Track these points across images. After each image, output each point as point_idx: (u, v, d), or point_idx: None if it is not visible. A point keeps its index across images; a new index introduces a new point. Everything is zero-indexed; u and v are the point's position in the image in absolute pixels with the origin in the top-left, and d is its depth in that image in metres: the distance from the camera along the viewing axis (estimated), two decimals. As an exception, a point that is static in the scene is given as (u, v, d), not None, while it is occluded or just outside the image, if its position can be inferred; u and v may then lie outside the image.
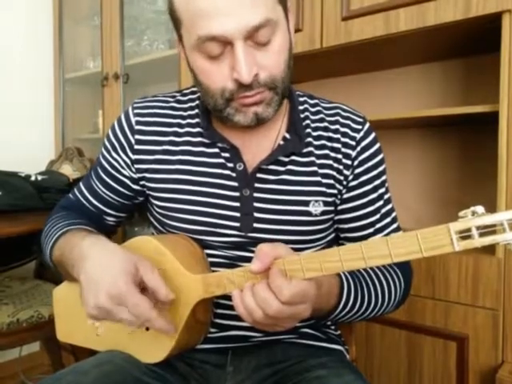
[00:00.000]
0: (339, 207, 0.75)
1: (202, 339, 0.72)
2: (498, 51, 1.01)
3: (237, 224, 0.70)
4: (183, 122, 0.76)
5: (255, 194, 0.71)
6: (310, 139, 0.73)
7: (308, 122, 0.75)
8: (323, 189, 0.72)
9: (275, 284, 0.52)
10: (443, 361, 1.10)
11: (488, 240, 0.43)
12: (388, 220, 0.76)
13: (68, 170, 1.91)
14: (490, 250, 1.02)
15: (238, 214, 0.71)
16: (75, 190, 0.85)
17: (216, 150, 0.73)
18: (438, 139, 1.40)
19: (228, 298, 0.59)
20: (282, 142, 0.73)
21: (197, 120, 0.75)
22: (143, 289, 0.60)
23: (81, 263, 0.62)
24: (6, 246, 1.62)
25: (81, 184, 0.84)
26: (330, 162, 0.73)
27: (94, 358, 0.70)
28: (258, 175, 0.71)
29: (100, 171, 0.80)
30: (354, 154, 0.73)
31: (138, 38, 1.90)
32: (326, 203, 0.72)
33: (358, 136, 0.74)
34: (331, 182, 0.72)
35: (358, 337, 1.20)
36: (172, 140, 0.75)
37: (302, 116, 0.75)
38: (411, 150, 1.45)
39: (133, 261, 0.60)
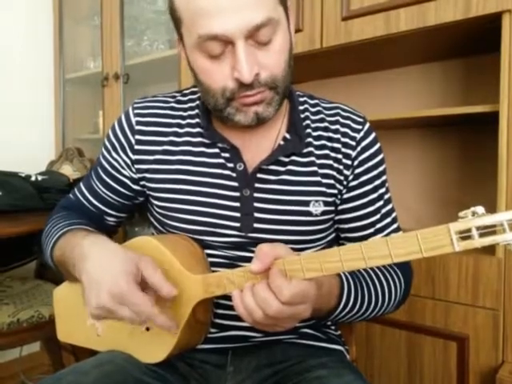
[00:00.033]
0: (339, 207, 0.75)
1: (202, 339, 0.72)
2: (498, 51, 1.01)
3: (237, 224, 0.70)
4: (183, 122, 0.76)
5: (255, 194, 0.71)
6: (310, 139, 0.73)
7: (308, 122, 0.75)
8: (323, 189, 0.72)
9: (275, 284, 0.52)
10: (443, 361, 1.10)
11: (488, 240, 0.43)
12: (388, 220, 0.76)
13: (68, 171, 1.92)
14: (490, 250, 1.02)
15: (238, 214, 0.71)
16: (75, 190, 0.85)
17: (216, 150, 0.73)
18: (438, 139, 1.40)
19: (228, 298, 0.59)
20: (282, 142, 0.73)
21: (197, 120, 0.75)
22: (145, 287, 0.60)
23: (82, 263, 0.62)
24: (7, 246, 1.62)
25: (81, 184, 0.84)
26: (330, 162, 0.73)
27: (95, 358, 0.70)
28: (258, 175, 0.71)
29: (100, 171, 0.80)
30: (354, 154, 0.73)
31: (138, 38, 1.90)
32: (326, 203, 0.72)
33: (358, 136, 0.74)
34: (331, 182, 0.73)
35: (358, 337, 1.20)
36: (172, 140, 0.75)
37: (302, 116, 0.75)
38: (411, 150, 1.45)
39: (134, 260, 0.60)
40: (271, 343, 0.74)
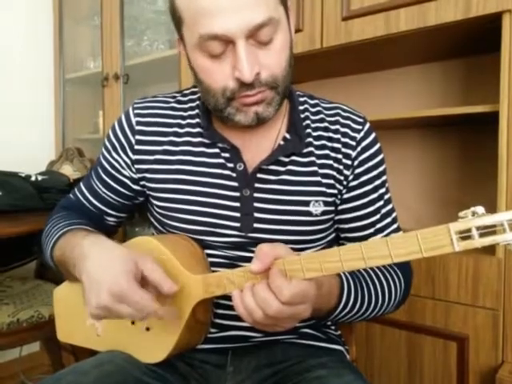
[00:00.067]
0: (339, 207, 0.75)
1: (202, 339, 0.72)
2: (498, 51, 1.01)
3: (237, 224, 0.70)
4: (183, 122, 0.76)
5: (255, 194, 0.71)
6: (310, 139, 0.73)
7: (308, 122, 0.75)
8: (323, 189, 0.72)
9: (275, 284, 0.52)
10: (443, 361, 1.10)
11: (488, 240, 0.43)
12: (388, 220, 0.76)
13: (68, 171, 1.92)
14: (490, 250, 1.02)
15: (238, 214, 0.71)
16: (75, 190, 0.85)
17: (216, 150, 0.73)
18: (438, 139, 1.40)
19: (228, 298, 0.59)
20: (282, 142, 0.73)
21: (197, 120, 0.75)
22: (144, 285, 0.60)
23: (82, 263, 0.62)
24: (7, 246, 1.62)
25: (81, 184, 0.84)
26: (331, 162, 0.73)
27: (95, 358, 0.70)
28: (259, 175, 0.71)
29: (100, 171, 0.80)
30: (354, 154, 0.73)
31: (138, 38, 1.90)
32: (326, 203, 0.72)
33: (359, 136, 0.74)
34: (331, 182, 0.73)
35: (358, 337, 1.20)
36: (172, 140, 0.75)
37: (302, 116, 0.75)
38: (411, 150, 1.45)
39: (133, 258, 0.60)
40: (271, 343, 0.74)
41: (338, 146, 0.73)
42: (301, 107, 0.76)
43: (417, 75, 1.42)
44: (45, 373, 1.91)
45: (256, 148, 0.73)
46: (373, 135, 0.76)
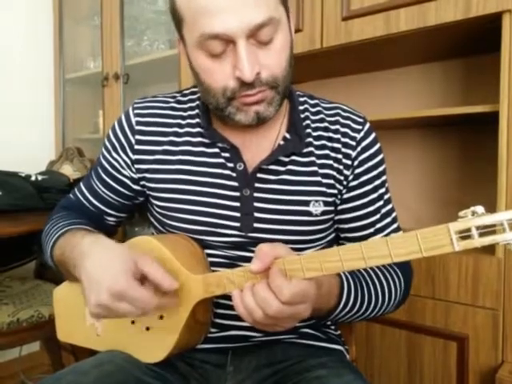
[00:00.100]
0: (339, 207, 0.75)
1: (202, 339, 0.72)
2: (498, 51, 1.01)
3: (237, 224, 0.70)
4: (183, 122, 0.76)
5: (255, 194, 0.71)
6: (310, 139, 0.73)
7: (308, 122, 0.75)
8: (323, 189, 0.72)
9: (275, 284, 0.52)
10: (443, 361, 1.10)
11: (488, 240, 0.43)
12: (388, 220, 0.76)
13: (68, 170, 1.92)
14: (490, 249, 1.02)
15: (238, 214, 0.71)
16: (75, 190, 0.85)
17: (216, 150, 0.73)
18: (438, 139, 1.40)
19: (228, 297, 0.59)
20: (282, 142, 0.73)
21: (197, 120, 0.75)
22: (143, 282, 0.60)
23: (81, 262, 0.62)
24: (7, 245, 1.62)
25: (81, 184, 0.84)
26: (331, 162, 0.73)
27: (94, 358, 0.70)
28: (259, 175, 0.71)
29: (100, 171, 0.80)
30: (354, 154, 0.73)
31: (138, 38, 1.90)
32: (326, 203, 0.72)
33: (359, 136, 0.74)
34: (331, 181, 0.73)
35: (358, 337, 1.20)
36: (172, 140, 0.75)
37: (302, 116, 0.75)
38: (411, 150, 1.45)
39: (132, 257, 0.59)
40: (271, 343, 0.74)
41: (338, 145, 0.73)
42: (301, 107, 0.76)
43: (417, 75, 1.42)
44: (45, 372, 1.91)
45: (256, 148, 0.73)
46: (373, 135, 0.76)
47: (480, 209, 0.44)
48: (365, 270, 0.71)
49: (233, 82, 0.63)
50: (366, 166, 0.74)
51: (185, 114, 0.76)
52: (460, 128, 1.34)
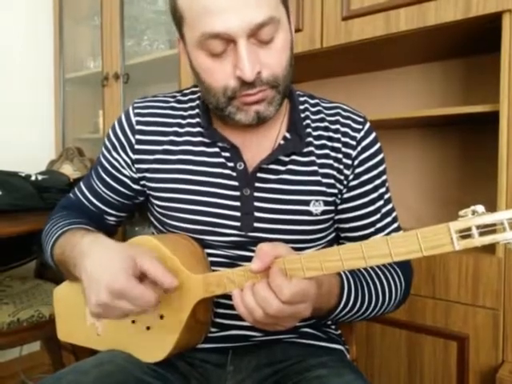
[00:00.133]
0: (340, 207, 0.75)
1: (202, 339, 0.72)
2: (498, 51, 1.01)
3: (237, 223, 0.70)
4: (183, 121, 0.76)
5: (256, 194, 0.71)
6: (310, 139, 0.73)
7: (308, 121, 0.75)
8: (324, 188, 0.72)
9: (275, 283, 0.52)
10: (443, 360, 1.10)
11: (488, 239, 0.43)
12: (388, 219, 0.76)
13: (68, 170, 1.92)
14: (490, 249, 1.02)
15: (238, 214, 0.71)
16: (76, 190, 0.85)
17: (216, 150, 0.73)
18: (438, 139, 1.40)
19: (228, 297, 0.59)
20: (282, 142, 0.73)
21: (197, 120, 0.75)
22: (142, 280, 0.60)
23: (81, 262, 0.62)
24: (7, 245, 1.62)
25: (81, 184, 0.84)
26: (331, 161, 0.73)
27: (95, 357, 0.70)
28: (259, 175, 0.71)
29: (100, 171, 0.80)
30: (354, 153, 0.73)
31: (138, 37, 1.90)
32: (326, 203, 0.72)
33: (359, 136, 0.74)
34: (332, 181, 0.73)
35: (358, 336, 1.20)
36: (172, 140, 0.75)
37: (302, 116, 0.75)
38: (411, 150, 1.45)
39: (131, 255, 0.59)
40: (271, 342, 0.74)
41: (339, 145, 0.73)
42: (301, 107, 0.76)
43: (417, 75, 1.42)
44: (45, 372, 1.91)
45: (256, 147, 0.73)
46: (373, 135, 0.76)
47: (480, 208, 0.44)
48: (365, 269, 0.71)
49: (233, 82, 0.63)
50: (366, 165, 0.74)
51: (185, 113, 0.76)
52: (460, 128, 1.34)
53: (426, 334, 1.12)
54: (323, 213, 0.72)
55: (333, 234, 0.78)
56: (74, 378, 0.64)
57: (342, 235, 0.78)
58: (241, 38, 0.59)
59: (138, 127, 0.75)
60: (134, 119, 0.76)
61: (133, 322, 0.69)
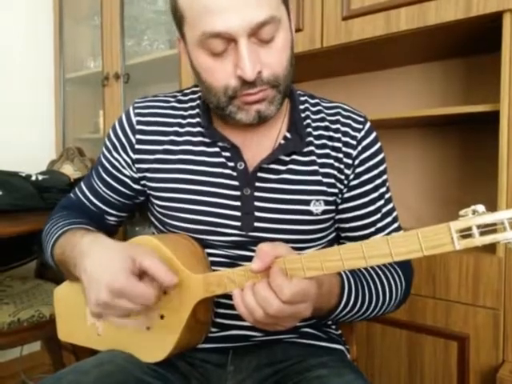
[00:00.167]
0: (340, 206, 0.75)
1: (202, 339, 0.72)
2: (498, 51, 1.01)
3: (237, 223, 0.70)
4: (184, 121, 0.76)
5: (256, 193, 0.71)
6: (310, 138, 0.73)
7: (309, 121, 0.75)
8: (324, 188, 0.72)
9: (276, 283, 0.52)
10: (444, 360, 1.10)
11: (489, 239, 0.43)
12: (389, 219, 0.76)
13: (69, 170, 1.92)
14: (491, 248, 1.02)
15: (238, 213, 0.71)
16: (76, 190, 0.85)
17: (217, 149, 0.73)
18: (438, 139, 1.40)
19: (229, 297, 0.59)
20: (282, 141, 0.73)
21: (197, 119, 0.75)
22: (143, 275, 0.60)
23: (81, 261, 0.62)
24: (7, 245, 1.63)
25: (82, 183, 0.84)
26: (331, 161, 0.73)
27: (95, 357, 0.70)
28: (259, 174, 0.71)
29: (101, 171, 0.80)
30: (354, 153, 0.73)
31: (138, 37, 1.90)
32: (326, 202, 0.72)
33: (359, 135, 0.74)
34: (332, 181, 0.73)
35: (358, 336, 1.20)
36: (173, 139, 0.75)
37: (302, 115, 0.75)
38: (412, 150, 1.45)
39: (131, 254, 0.59)
40: (272, 342, 0.74)
41: (339, 145, 0.73)
42: (301, 106, 0.76)
43: (417, 74, 1.42)
44: (45, 372, 1.91)
45: (257, 147, 0.73)
46: (373, 134, 0.76)
47: (481, 208, 0.44)
48: (365, 269, 0.71)
49: (234, 81, 0.63)
50: (366, 165, 0.74)
51: (185, 113, 0.76)
52: (460, 127, 1.34)
53: (427, 334, 1.12)
54: (324, 212, 0.72)
55: (333, 234, 0.78)
56: (75, 378, 0.64)
57: (343, 235, 0.78)
58: (241, 37, 0.59)
59: (138, 127, 0.75)
60: (134, 119, 0.76)
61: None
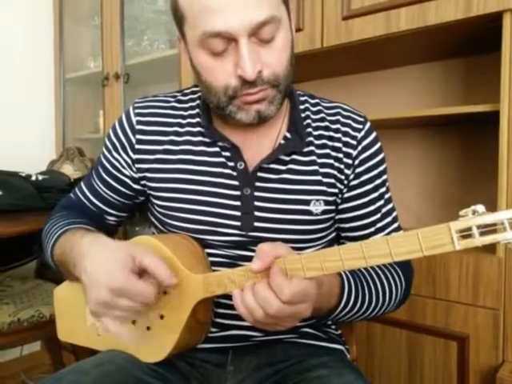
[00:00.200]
0: (340, 206, 0.75)
1: (202, 339, 0.72)
2: (498, 50, 1.01)
3: (237, 223, 0.70)
4: (184, 121, 0.76)
5: (256, 193, 0.71)
6: (310, 138, 0.73)
7: (309, 121, 0.75)
8: (324, 188, 0.72)
9: (276, 283, 0.52)
10: (444, 360, 1.10)
11: (489, 239, 0.43)
12: (389, 219, 0.76)
13: (69, 170, 1.92)
14: (491, 249, 1.02)
15: (238, 213, 0.71)
16: (76, 190, 0.85)
17: (217, 149, 0.73)
18: (438, 139, 1.40)
19: (229, 297, 0.59)
20: (282, 141, 0.73)
21: (197, 119, 0.75)
22: (143, 274, 0.60)
23: (81, 261, 0.62)
24: (7, 245, 1.63)
25: (82, 184, 0.84)
26: (331, 161, 0.73)
27: (95, 357, 0.70)
28: (259, 174, 0.71)
29: (101, 171, 0.80)
30: (354, 153, 0.73)
31: (138, 37, 1.90)
32: (326, 202, 0.72)
33: (359, 135, 0.74)
34: (332, 181, 0.73)
35: (358, 336, 1.20)
36: (173, 139, 0.75)
37: (302, 115, 0.75)
38: (412, 150, 1.45)
39: (130, 253, 0.59)
40: (272, 342, 0.74)
41: (339, 145, 0.73)
42: (301, 106, 0.76)
43: (417, 74, 1.42)
44: (45, 372, 1.91)
45: (257, 147, 0.73)
46: (373, 134, 0.76)
47: (481, 208, 0.44)
48: (365, 269, 0.71)
49: (234, 81, 0.63)
50: (366, 165, 0.74)
51: (185, 113, 0.76)
52: (460, 127, 1.34)
53: (427, 334, 1.12)
54: (323, 212, 0.72)
55: (333, 234, 0.78)
56: (75, 378, 0.64)
57: (343, 235, 0.78)
58: (242, 36, 0.59)
59: (138, 127, 0.75)
60: (134, 119, 0.76)
61: (133, 322, 0.69)
